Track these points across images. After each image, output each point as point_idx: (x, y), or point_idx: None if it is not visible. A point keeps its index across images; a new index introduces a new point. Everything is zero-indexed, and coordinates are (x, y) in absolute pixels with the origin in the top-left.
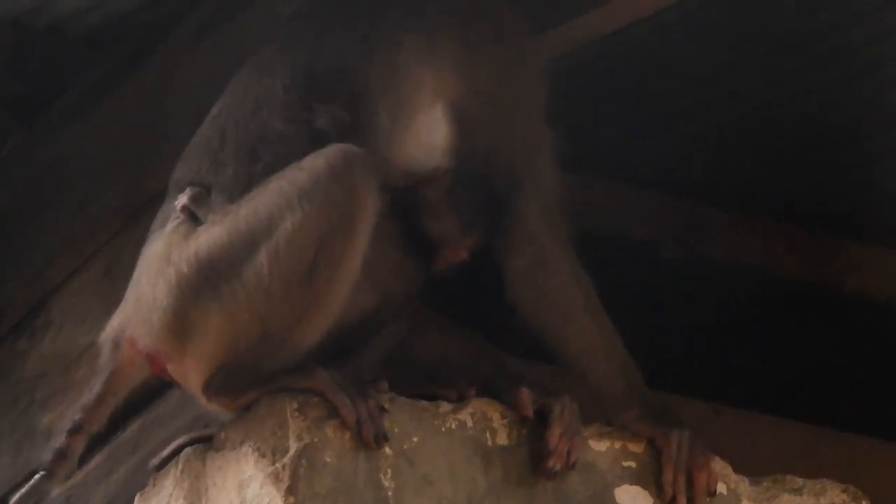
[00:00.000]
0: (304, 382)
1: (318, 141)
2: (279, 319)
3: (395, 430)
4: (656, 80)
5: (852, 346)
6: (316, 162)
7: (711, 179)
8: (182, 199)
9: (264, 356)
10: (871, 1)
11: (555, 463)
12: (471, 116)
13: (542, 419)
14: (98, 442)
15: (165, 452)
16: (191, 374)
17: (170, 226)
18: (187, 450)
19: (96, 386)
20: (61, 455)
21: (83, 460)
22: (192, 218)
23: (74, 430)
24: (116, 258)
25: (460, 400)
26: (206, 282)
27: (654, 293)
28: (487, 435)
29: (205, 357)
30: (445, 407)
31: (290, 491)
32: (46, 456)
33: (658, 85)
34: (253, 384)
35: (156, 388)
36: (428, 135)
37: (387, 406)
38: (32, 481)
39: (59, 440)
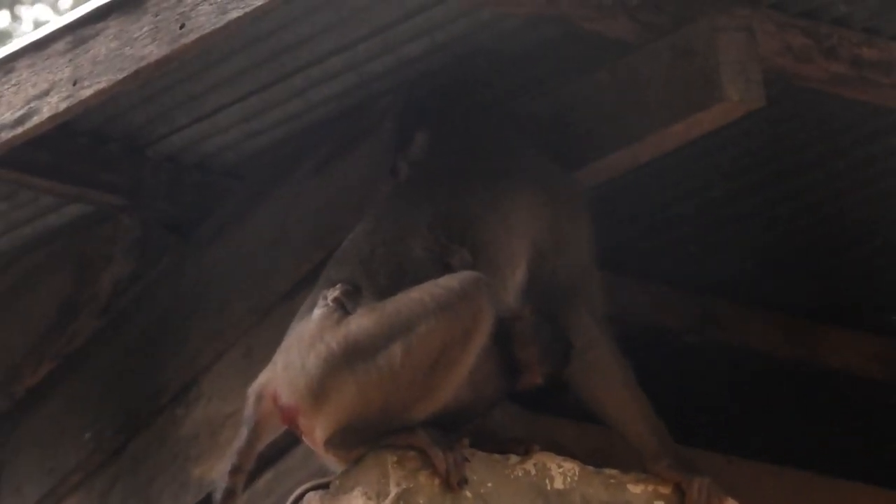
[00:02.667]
0: (407, 439)
1: (449, 270)
2: (398, 399)
3: (474, 476)
4: (678, 204)
5: (836, 411)
6: (452, 282)
7: (722, 279)
8: (335, 292)
9: (380, 423)
10: (859, 133)
11: None
12: (546, 257)
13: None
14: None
15: (292, 497)
16: (317, 430)
17: (319, 311)
18: (309, 494)
19: (245, 432)
20: (230, 493)
21: None
22: (342, 308)
23: (235, 471)
24: (253, 345)
25: (525, 453)
26: (348, 359)
27: (677, 371)
28: (546, 481)
29: (332, 418)
30: (514, 458)
31: None
32: (217, 495)
33: (680, 208)
34: (365, 441)
35: (285, 445)
36: (518, 275)
37: (468, 457)
38: None
39: (224, 481)
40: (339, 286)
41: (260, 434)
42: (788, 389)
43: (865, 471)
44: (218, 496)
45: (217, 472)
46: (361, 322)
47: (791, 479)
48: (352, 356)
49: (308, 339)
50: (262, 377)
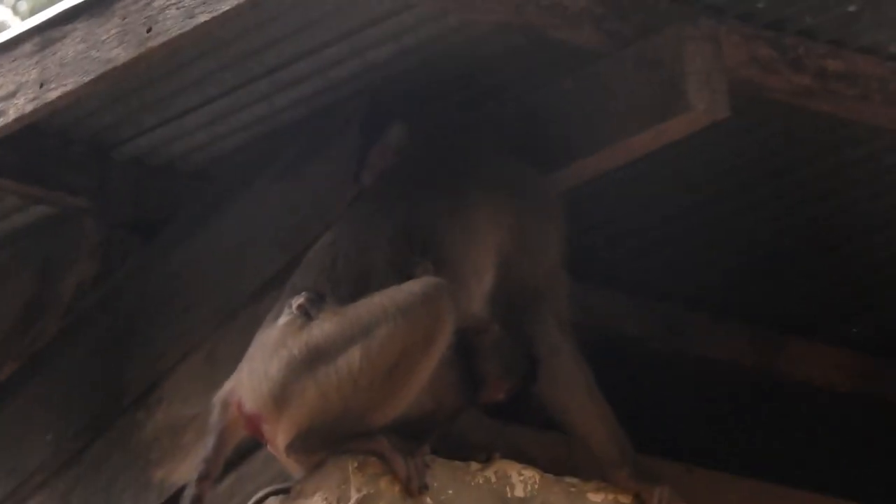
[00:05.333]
0: (368, 445)
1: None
2: (359, 403)
3: (435, 483)
4: (644, 212)
5: (799, 422)
6: (414, 287)
7: (687, 288)
8: (299, 300)
9: (340, 427)
10: (825, 143)
11: None
12: (512, 264)
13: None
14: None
15: (253, 500)
16: (280, 434)
17: (284, 318)
18: (270, 499)
19: (211, 440)
20: (198, 500)
21: None
22: (305, 315)
23: (202, 479)
24: (215, 349)
25: (486, 461)
26: (309, 364)
27: (641, 379)
28: (507, 489)
29: (294, 422)
30: (475, 466)
31: None
32: (185, 502)
33: (645, 216)
34: (326, 446)
35: (246, 449)
36: (484, 283)
37: (429, 464)
38: None
39: (192, 488)
40: (303, 294)
41: (226, 441)
42: (751, 400)
43: (826, 482)
44: (186, 503)
45: (179, 474)
46: (323, 327)
47: (751, 490)
48: (313, 360)
49: (271, 346)
50: (228, 385)
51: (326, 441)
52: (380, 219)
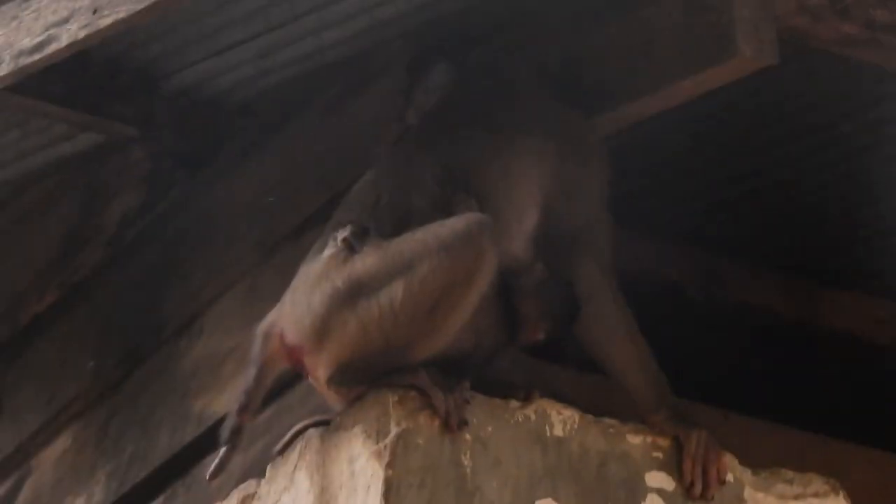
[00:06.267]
0: (408, 379)
1: None
2: (400, 338)
3: (475, 420)
4: (688, 159)
5: (837, 372)
6: (457, 223)
7: (728, 237)
8: (344, 233)
9: (381, 361)
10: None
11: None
12: (554, 206)
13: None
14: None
15: (293, 431)
16: (321, 367)
17: (328, 251)
18: (310, 431)
19: (252, 371)
20: (237, 430)
21: None
22: (350, 248)
23: (242, 410)
24: (256, 282)
25: (526, 399)
26: (351, 297)
27: (680, 325)
28: (546, 427)
29: (335, 355)
30: (515, 404)
31: (389, 466)
32: (224, 433)
33: (689, 164)
34: (367, 380)
35: (286, 382)
36: (526, 224)
37: (469, 400)
38: (221, 454)
39: (232, 419)
40: (348, 227)
41: (267, 373)
42: (790, 349)
43: (862, 433)
44: (225, 434)
45: (218, 405)
46: (366, 260)
47: (787, 438)
48: (355, 293)
49: (315, 278)
50: (270, 316)
51: (367, 375)
52: (423, 158)
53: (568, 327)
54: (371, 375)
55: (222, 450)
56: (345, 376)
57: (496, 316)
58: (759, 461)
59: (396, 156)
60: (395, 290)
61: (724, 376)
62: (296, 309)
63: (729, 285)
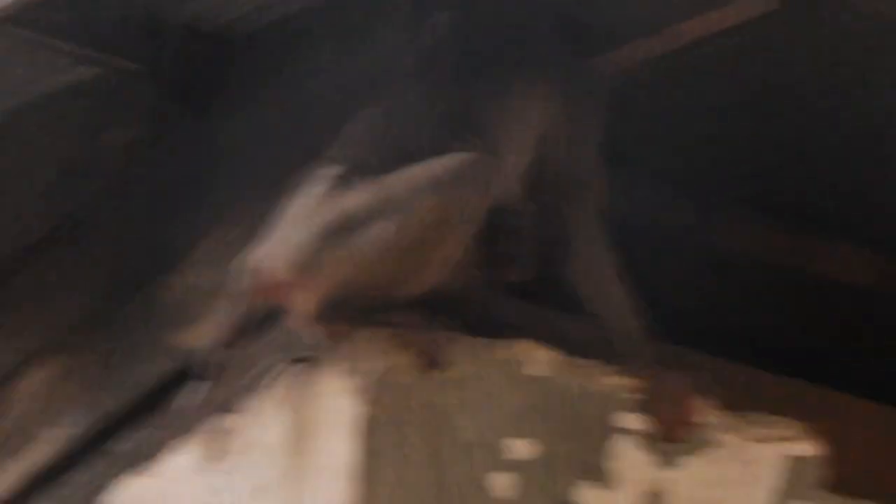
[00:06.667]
0: (394, 318)
1: None
2: (389, 273)
3: (456, 359)
4: (690, 104)
5: (830, 321)
6: (452, 160)
7: (728, 184)
8: (336, 170)
9: (369, 297)
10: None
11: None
12: (554, 150)
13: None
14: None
15: (270, 367)
16: (308, 302)
17: (319, 187)
18: (287, 367)
19: (237, 306)
20: (218, 367)
21: None
22: (341, 183)
23: (224, 346)
24: (258, 219)
25: (510, 340)
26: (341, 231)
27: (673, 270)
28: (524, 368)
29: (323, 289)
30: (497, 344)
31: (367, 403)
32: (207, 367)
33: (692, 109)
34: (354, 316)
35: (270, 318)
36: (523, 164)
37: (452, 340)
38: (203, 387)
39: (213, 354)
40: (341, 164)
41: (251, 309)
42: (779, 297)
43: (856, 383)
44: (207, 368)
45: (203, 339)
46: (358, 196)
47: (764, 384)
48: (346, 228)
49: (304, 213)
50: (257, 252)
51: (354, 310)
52: (424, 99)
53: (552, 269)
54: (358, 312)
55: (204, 384)
56: (332, 312)
57: (484, 253)
58: (737, 407)
59: (399, 95)
60: (388, 226)
61: (705, 322)
62: (284, 244)
63: (723, 231)
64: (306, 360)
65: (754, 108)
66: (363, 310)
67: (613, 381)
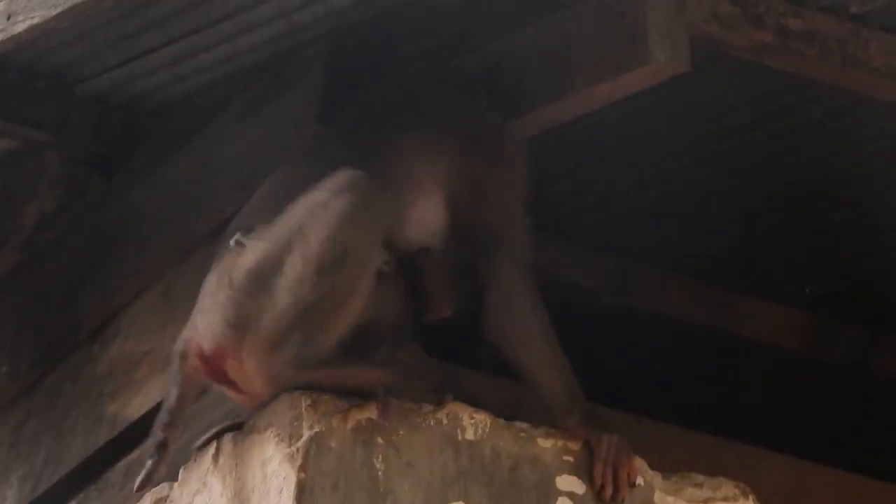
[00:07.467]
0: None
1: None
2: (312, 306)
3: (386, 424)
4: (601, 165)
5: (747, 378)
6: (330, 181)
7: (641, 244)
8: (237, 236)
9: (305, 339)
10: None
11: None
12: (463, 200)
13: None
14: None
15: (206, 436)
16: (247, 360)
17: (224, 257)
18: (223, 434)
19: (173, 391)
20: (163, 445)
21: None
22: (241, 246)
23: (166, 427)
24: (172, 285)
25: (438, 404)
26: (254, 281)
27: (593, 331)
28: (458, 431)
29: (257, 344)
30: (427, 408)
31: (302, 469)
32: (150, 449)
33: (602, 169)
34: (301, 363)
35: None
36: (430, 216)
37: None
38: (148, 465)
39: (158, 435)
40: (237, 232)
41: (188, 391)
42: (701, 355)
43: (771, 438)
44: (150, 449)
45: (132, 409)
46: (257, 245)
47: (698, 442)
48: (257, 277)
49: (216, 282)
50: (184, 334)
51: (304, 362)
52: (331, 159)
53: (471, 303)
54: (307, 362)
55: (149, 462)
56: (277, 362)
57: (400, 290)
58: (672, 466)
59: (308, 156)
60: (295, 259)
61: (636, 380)
62: (206, 317)
63: (641, 291)
64: (240, 427)
65: (672, 167)
66: (314, 360)
67: (551, 444)
